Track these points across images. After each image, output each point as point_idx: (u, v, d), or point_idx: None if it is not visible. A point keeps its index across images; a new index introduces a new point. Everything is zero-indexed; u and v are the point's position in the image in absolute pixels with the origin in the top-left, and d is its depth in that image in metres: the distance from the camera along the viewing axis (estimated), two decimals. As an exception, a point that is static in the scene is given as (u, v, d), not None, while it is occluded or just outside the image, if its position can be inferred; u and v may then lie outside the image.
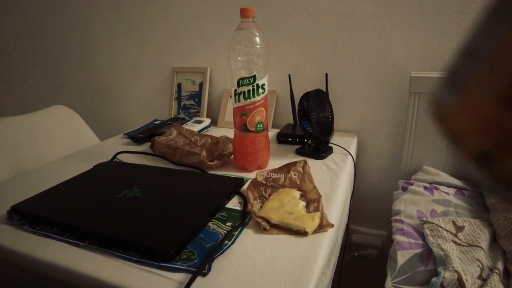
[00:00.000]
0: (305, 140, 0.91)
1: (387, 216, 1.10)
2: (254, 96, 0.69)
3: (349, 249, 1.15)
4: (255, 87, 0.69)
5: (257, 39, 0.67)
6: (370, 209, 1.10)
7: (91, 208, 0.60)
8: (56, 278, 0.49)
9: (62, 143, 1.11)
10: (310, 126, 0.79)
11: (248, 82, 0.68)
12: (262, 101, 0.71)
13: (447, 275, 0.56)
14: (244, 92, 0.69)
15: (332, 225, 0.54)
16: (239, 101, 0.70)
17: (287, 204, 0.58)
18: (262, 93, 0.70)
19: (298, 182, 0.66)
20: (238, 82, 0.68)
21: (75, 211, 0.59)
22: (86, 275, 0.47)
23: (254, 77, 0.68)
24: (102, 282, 0.46)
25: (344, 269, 1.16)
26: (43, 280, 0.52)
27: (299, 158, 0.77)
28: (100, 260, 0.49)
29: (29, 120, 1.08)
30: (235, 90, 0.69)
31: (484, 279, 0.59)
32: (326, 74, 0.97)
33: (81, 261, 0.49)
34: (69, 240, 0.54)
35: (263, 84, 0.70)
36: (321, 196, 0.61)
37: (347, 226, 1.10)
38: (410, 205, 0.81)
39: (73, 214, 0.58)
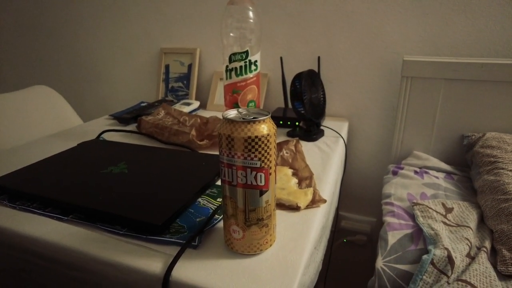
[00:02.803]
0: (297, 123, 0.89)
1: (376, 202, 1.10)
2: (246, 73, 0.67)
3: (337, 235, 1.15)
4: (247, 63, 0.67)
5: (250, 13, 0.65)
6: (359, 195, 1.10)
7: (74, 183, 0.57)
8: (38, 252, 0.47)
9: (44, 124, 1.07)
10: (303, 107, 0.77)
11: (240, 58, 0.66)
12: (255, 78, 0.69)
13: (437, 253, 0.56)
14: (236, 68, 0.67)
15: (325, 201, 0.53)
16: (230, 77, 0.68)
17: (279, 181, 0.57)
18: (255, 70, 0.68)
19: (290, 160, 0.65)
20: (230, 57, 0.66)
21: (58, 186, 0.56)
22: (69, 249, 0.45)
23: (247, 52, 0.66)
24: (87, 255, 0.44)
25: (333, 255, 1.16)
26: (25, 255, 0.49)
27: (290, 139, 0.76)
28: (85, 234, 0.47)
29: (8, 99, 1.03)
30: (227, 66, 0.67)
31: (472, 257, 0.59)
32: (319, 57, 0.96)
33: (64, 235, 0.47)
34: (51, 215, 0.51)
35: (256, 61, 0.68)
36: (313, 174, 0.60)
37: (336, 212, 1.10)
38: (401, 189, 0.82)
39: (56, 189, 0.55)
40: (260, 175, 0.38)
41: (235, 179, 0.38)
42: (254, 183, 0.38)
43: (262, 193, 0.39)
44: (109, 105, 1.40)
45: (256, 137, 0.36)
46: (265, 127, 0.37)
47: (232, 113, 0.39)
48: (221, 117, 0.38)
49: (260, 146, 0.37)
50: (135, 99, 1.33)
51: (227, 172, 0.38)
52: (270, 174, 0.39)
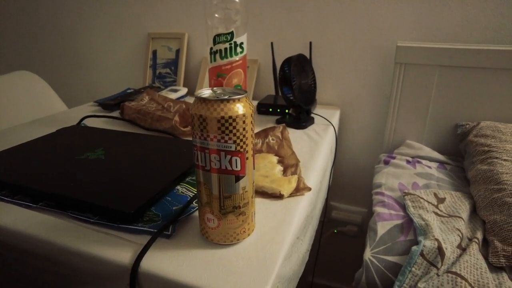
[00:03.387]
0: (286, 111, 0.86)
1: (368, 192, 1.08)
2: (231, 56, 0.64)
3: (328, 226, 1.13)
4: (232, 45, 0.63)
5: (236, -8, 0.62)
6: (350, 186, 1.08)
7: (47, 170, 0.54)
8: (2, 242, 0.44)
9: (26, 110, 1.03)
10: (292, 93, 0.74)
11: (225, 39, 0.63)
12: (241, 61, 0.66)
13: (427, 244, 0.54)
14: (220, 50, 0.63)
15: (310, 189, 0.50)
16: (215, 60, 0.64)
17: (262, 168, 0.54)
18: (241, 52, 0.65)
19: (276, 147, 0.62)
20: (214, 39, 0.63)
21: (29, 173, 0.53)
22: (35, 238, 0.42)
23: (232, 33, 0.63)
24: (53, 245, 0.41)
25: (323, 245, 1.15)
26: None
27: (278, 126, 0.73)
28: (53, 222, 0.44)
29: (-12, 84, 0.99)
30: (211, 48, 0.64)
31: (463, 249, 0.57)
32: (310, 43, 0.92)
33: (31, 223, 0.44)
34: (20, 202, 0.48)
35: (242, 43, 0.64)
36: (299, 161, 0.57)
37: (327, 202, 1.08)
38: (392, 178, 0.79)
39: (26, 175, 0.52)
40: (236, 159, 0.35)
41: (209, 164, 0.35)
42: (229, 168, 0.35)
43: (238, 178, 0.36)
44: (96, 91, 1.35)
45: (231, 117, 0.33)
46: (240, 107, 0.34)
47: (206, 92, 0.36)
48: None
49: (235, 127, 0.34)
50: (122, 85, 1.29)
51: (200, 156, 0.35)
52: (247, 158, 0.36)
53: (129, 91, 1.07)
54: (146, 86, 1.11)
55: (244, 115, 0.34)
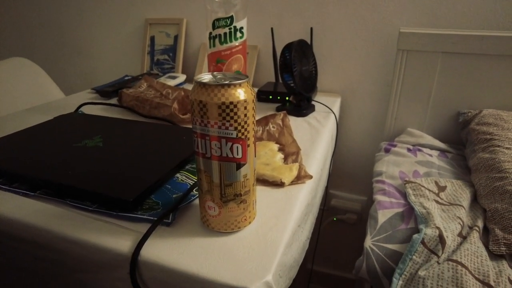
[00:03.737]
0: (287, 98, 0.85)
1: (368, 180, 1.08)
2: (231, 41, 0.62)
3: (327, 214, 1.13)
4: (232, 30, 0.62)
5: (236, -25, 0.60)
6: (350, 174, 1.08)
7: (44, 158, 0.53)
8: (0, 230, 0.43)
9: (23, 97, 1.02)
10: (292, 80, 0.73)
11: (224, 24, 0.61)
12: (240, 47, 0.64)
13: (428, 232, 0.54)
14: (220, 35, 0.62)
15: (311, 177, 0.50)
16: (214, 45, 0.63)
17: (263, 156, 0.53)
18: (241, 37, 0.63)
19: (276, 135, 0.61)
20: (213, 23, 0.61)
21: (26, 161, 0.52)
22: (33, 226, 0.41)
23: (232, 18, 0.61)
24: (52, 233, 0.40)
25: (322, 233, 1.15)
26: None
27: (279, 114, 0.72)
28: (52, 210, 0.44)
29: (-17, 71, 0.98)
30: (210, 33, 0.62)
31: (464, 237, 0.57)
32: (311, 29, 0.91)
33: (29, 211, 0.43)
34: (17, 190, 0.48)
35: (242, 28, 0.63)
36: (300, 149, 0.57)
37: (326, 190, 1.08)
38: (393, 166, 0.79)
39: (24, 163, 0.51)
40: (237, 147, 0.34)
41: (209, 151, 0.34)
42: (230, 155, 0.34)
43: (239, 166, 0.35)
44: (93, 79, 1.34)
45: (232, 103, 0.32)
46: (242, 92, 0.33)
47: (205, 77, 0.35)
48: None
49: (236, 114, 0.33)
50: (120, 72, 1.27)
51: (201, 143, 0.35)
52: (249, 146, 0.35)
53: (126, 78, 1.05)
54: (144, 73, 1.10)
55: (245, 100, 0.33)
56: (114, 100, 0.89)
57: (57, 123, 0.68)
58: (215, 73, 0.36)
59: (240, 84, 0.33)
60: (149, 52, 1.12)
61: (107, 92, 0.91)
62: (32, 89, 1.07)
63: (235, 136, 0.34)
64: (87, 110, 0.81)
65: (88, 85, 1.36)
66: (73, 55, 1.34)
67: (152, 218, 0.40)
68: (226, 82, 0.32)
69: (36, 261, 0.43)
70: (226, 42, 0.62)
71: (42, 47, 1.39)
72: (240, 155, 0.35)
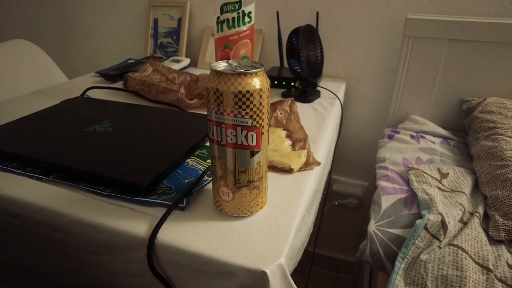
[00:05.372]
0: (292, 83, 0.85)
1: (369, 166, 1.09)
2: (239, 25, 0.62)
3: (329, 198, 1.15)
4: (240, 14, 0.61)
5: (245, -42, 0.59)
6: (353, 159, 1.09)
7: (56, 142, 0.54)
8: (17, 213, 0.44)
9: (25, 80, 1.01)
10: (299, 65, 0.73)
11: (233, 8, 0.61)
12: (248, 32, 0.64)
13: (431, 217, 0.55)
14: (228, 19, 0.62)
15: (319, 163, 0.51)
16: (222, 30, 0.63)
17: (272, 143, 0.54)
18: (249, 22, 0.63)
19: (284, 121, 0.62)
20: (221, 7, 0.61)
21: (38, 145, 0.53)
22: (49, 210, 0.42)
23: (240, 2, 0.61)
24: (68, 216, 0.41)
25: (324, 217, 1.17)
26: (3, 216, 0.47)
27: (285, 100, 0.73)
28: (66, 194, 0.45)
29: (-15, 52, 0.97)
30: (218, 18, 0.62)
31: (464, 222, 0.59)
32: (317, 13, 0.90)
33: (45, 195, 0.44)
34: (31, 175, 0.49)
35: (250, 12, 0.63)
36: (307, 136, 0.58)
37: (329, 175, 1.09)
38: (396, 153, 0.80)
39: (36, 148, 0.52)
40: (252, 135, 0.35)
41: (224, 139, 0.35)
42: (245, 143, 0.35)
43: (253, 153, 0.36)
44: (96, 62, 1.33)
45: (248, 92, 0.33)
46: (257, 81, 0.33)
47: (221, 65, 0.35)
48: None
49: (251, 102, 0.33)
50: (123, 56, 1.26)
51: (216, 131, 0.35)
52: (263, 134, 0.36)
53: (130, 61, 1.04)
54: (147, 56, 1.09)
55: (261, 89, 0.33)
56: (118, 84, 0.89)
57: (64, 107, 0.69)
58: (230, 61, 0.36)
59: (256, 73, 0.33)
60: (152, 35, 1.11)
61: (111, 75, 0.91)
62: (34, 71, 1.06)
63: (250, 125, 0.34)
64: (92, 94, 0.81)
65: (90, 68, 1.35)
66: (76, 38, 1.33)
67: (166, 202, 0.41)
68: (242, 70, 0.33)
69: (51, 243, 0.45)
70: (234, 27, 0.62)
71: (44, 30, 1.37)
72: (254, 143, 0.35)
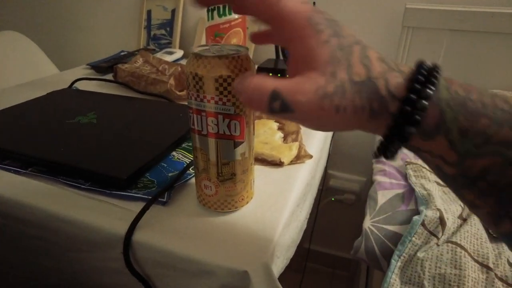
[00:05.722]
0: (287, 76, 0.83)
1: (367, 161, 1.06)
2: (230, 13, 0.60)
3: (325, 194, 1.13)
4: (231, 2, 0.59)
5: None
6: (350, 154, 1.07)
7: (36, 134, 0.52)
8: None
9: (15, 72, 0.99)
10: (293, 56, 0.70)
11: (223, -5, 0.58)
12: (240, 20, 0.61)
13: (429, 213, 0.53)
14: (218, 7, 0.59)
15: (311, 156, 0.48)
16: (212, 18, 0.60)
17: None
18: (240, 10, 0.60)
19: (276, 113, 0.59)
20: (211, -6, 0.58)
21: (18, 137, 0.51)
22: (24, 204, 0.40)
23: (231, -11, 0.58)
24: (43, 211, 0.39)
25: (320, 213, 1.15)
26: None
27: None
28: (44, 188, 0.42)
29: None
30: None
31: (464, 219, 0.56)
32: (314, 3, 0.87)
33: (20, 189, 0.42)
34: (9, 168, 0.46)
35: (241, 0, 0.60)
36: (300, 128, 0.55)
37: (325, 170, 1.07)
38: (393, 147, 0.77)
39: (15, 140, 0.50)
40: (235, 124, 0.32)
41: (205, 128, 0.33)
42: (228, 132, 0.33)
43: (236, 144, 0.34)
44: (88, 54, 1.30)
45: (229, 76, 0.30)
46: (241, 65, 0.31)
47: (202, 48, 0.33)
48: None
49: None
50: (115, 48, 1.23)
51: (196, 120, 0.33)
52: (247, 123, 0.33)
53: (122, 53, 1.02)
54: (140, 48, 1.06)
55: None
56: (109, 76, 0.87)
57: (50, 99, 0.66)
58: (213, 44, 0.34)
59: (239, 56, 0.31)
60: (145, 26, 1.08)
61: (102, 67, 0.89)
62: (25, 64, 1.04)
63: (233, 113, 0.32)
64: (82, 86, 0.79)
65: (83, 60, 1.32)
66: (68, 30, 1.30)
67: (146, 196, 0.39)
68: (224, 53, 0.30)
69: (28, 240, 0.42)
70: (225, 15, 0.60)
71: (35, 21, 1.34)
72: (238, 133, 0.33)
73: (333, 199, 1.12)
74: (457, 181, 0.23)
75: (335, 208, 1.16)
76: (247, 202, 0.38)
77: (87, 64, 0.96)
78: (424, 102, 0.22)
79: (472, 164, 0.22)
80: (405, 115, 0.22)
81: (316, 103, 0.23)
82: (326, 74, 0.23)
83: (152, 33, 1.08)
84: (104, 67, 0.88)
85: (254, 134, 0.36)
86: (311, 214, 0.59)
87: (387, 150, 0.24)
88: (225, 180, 0.35)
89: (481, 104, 0.22)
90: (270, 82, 0.24)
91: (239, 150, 0.34)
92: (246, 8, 0.26)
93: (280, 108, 0.23)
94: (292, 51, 0.25)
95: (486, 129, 0.21)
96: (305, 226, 0.53)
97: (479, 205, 0.23)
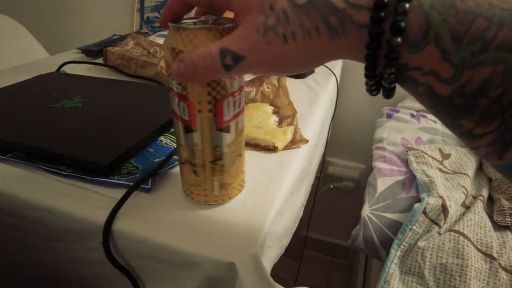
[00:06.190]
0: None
1: (367, 148, 1.03)
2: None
3: (324, 181, 1.11)
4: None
5: None
6: (349, 140, 1.04)
7: (18, 119, 0.49)
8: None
9: (3, 57, 0.96)
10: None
11: (214, -29, 0.54)
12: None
13: (430, 201, 0.51)
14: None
15: (307, 141, 0.46)
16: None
17: (256, 119, 0.49)
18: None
19: (271, 96, 0.56)
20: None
21: (-3, 121, 0.48)
22: (3, 193, 0.37)
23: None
24: (22, 200, 0.37)
25: (318, 201, 1.13)
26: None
27: (275, 75, 0.67)
28: (23, 175, 0.40)
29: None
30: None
31: (467, 207, 0.54)
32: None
33: (-1, 176, 0.39)
34: (-14, 154, 0.44)
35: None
36: (296, 112, 0.52)
37: (323, 157, 1.04)
38: (394, 133, 0.75)
39: (-6, 125, 0.47)
40: (183, 106, 0.29)
41: (175, 107, 0.30)
42: (178, 112, 0.30)
43: (188, 129, 0.30)
44: (80, 39, 1.26)
45: (174, 49, 0.27)
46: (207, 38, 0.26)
47: (185, 20, 0.30)
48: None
49: None
50: (109, 32, 1.19)
51: (172, 99, 0.31)
52: (200, 112, 0.29)
53: (114, 37, 0.98)
54: (133, 32, 1.03)
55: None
56: (100, 60, 0.83)
57: (36, 82, 0.63)
58: (195, 16, 0.30)
59: (229, 28, 0.27)
60: (138, 9, 1.04)
61: (92, 51, 0.85)
62: (15, 48, 1.01)
63: (180, 92, 0.29)
64: (71, 70, 0.76)
65: (75, 46, 1.28)
66: (59, 14, 1.26)
67: (129, 183, 0.37)
68: (210, 25, 0.27)
69: (8, 229, 0.40)
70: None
71: (25, 5, 1.30)
72: (187, 117, 0.29)
73: (331, 186, 1.10)
74: (454, 104, 0.19)
75: (334, 196, 1.14)
76: (236, 195, 0.35)
77: (78, 48, 0.93)
78: (404, 3, 0.18)
79: (470, 77, 0.18)
80: (383, 23, 0.19)
81: (262, 40, 0.22)
82: (265, 10, 0.22)
83: (145, 16, 1.04)
84: (95, 51, 0.85)
85: (243, 126, 0.32)
86: (308, 201, 0.57)
87: (382, 79, 0.22)
88: (194, 167, 0.32)
89: (474, 3, 0.18)
90: (213, 45, 0.24)
91: (193, 139, 0.30)
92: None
93: (233, 60, 0.23)
94: (232, 7, 0.25)
95: (484, 32, 0.17)
96: (301, 213, 0.51)
97: (481, 134, 0.19)
